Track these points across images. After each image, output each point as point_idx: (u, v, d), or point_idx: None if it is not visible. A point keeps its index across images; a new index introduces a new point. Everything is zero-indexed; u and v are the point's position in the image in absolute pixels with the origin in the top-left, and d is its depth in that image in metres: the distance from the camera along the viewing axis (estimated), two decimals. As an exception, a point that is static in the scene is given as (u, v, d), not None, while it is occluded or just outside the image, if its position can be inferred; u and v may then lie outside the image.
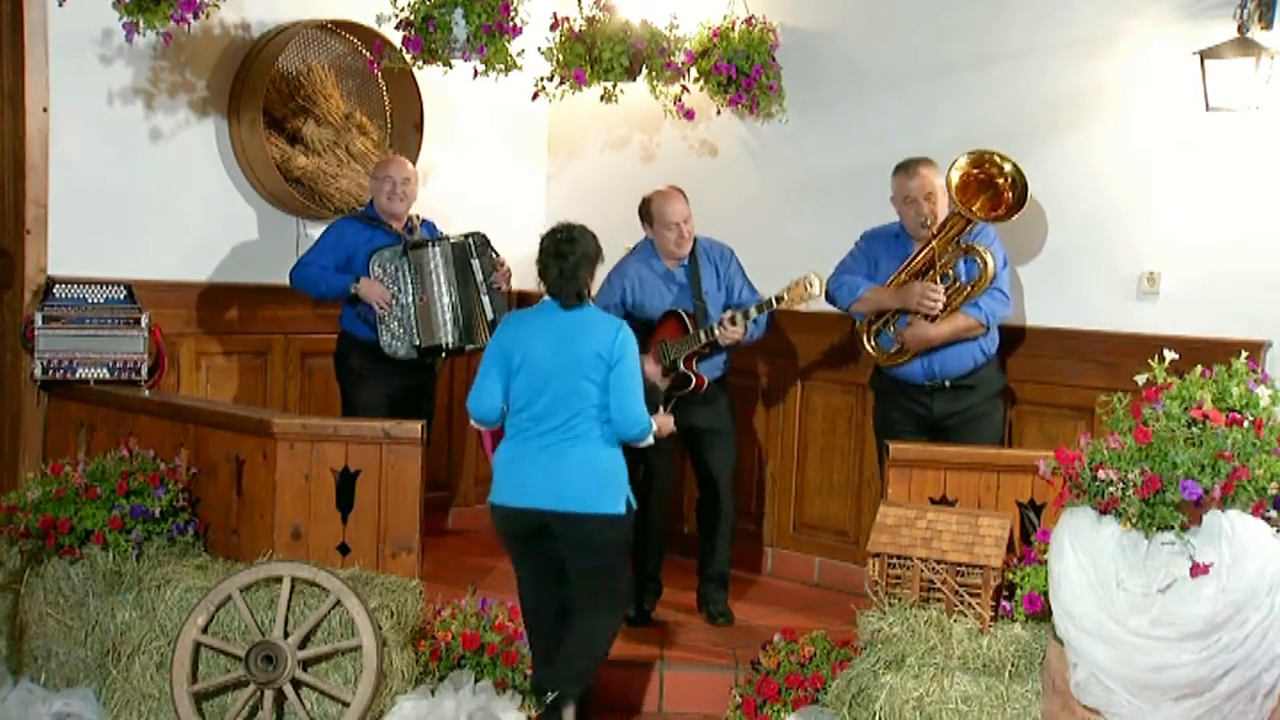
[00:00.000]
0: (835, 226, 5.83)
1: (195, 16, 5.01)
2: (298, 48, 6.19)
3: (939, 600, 4.11)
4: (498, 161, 6.95)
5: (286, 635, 4.33)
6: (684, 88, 5.96)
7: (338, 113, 6.31)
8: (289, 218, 6.26)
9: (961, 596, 4.07)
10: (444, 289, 5.54)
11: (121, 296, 5.54)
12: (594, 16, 5.84)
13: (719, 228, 5.52)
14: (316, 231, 6.06)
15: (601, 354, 4.21)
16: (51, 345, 5.39)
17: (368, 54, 6.30)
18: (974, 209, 4.86)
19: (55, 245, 5.57)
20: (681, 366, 5.10)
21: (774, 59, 5.96)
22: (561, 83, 5.89)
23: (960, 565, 4.08)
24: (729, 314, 5.11)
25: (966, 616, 4.05)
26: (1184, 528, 3.41)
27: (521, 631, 4.64)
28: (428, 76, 6.07)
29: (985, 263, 4.88)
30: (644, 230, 5.28)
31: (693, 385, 5.12)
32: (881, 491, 4.63)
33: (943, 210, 4.93)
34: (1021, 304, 5.34)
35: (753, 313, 5.10)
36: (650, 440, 4.35)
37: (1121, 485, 3.46)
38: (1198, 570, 3.36)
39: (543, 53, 5.90)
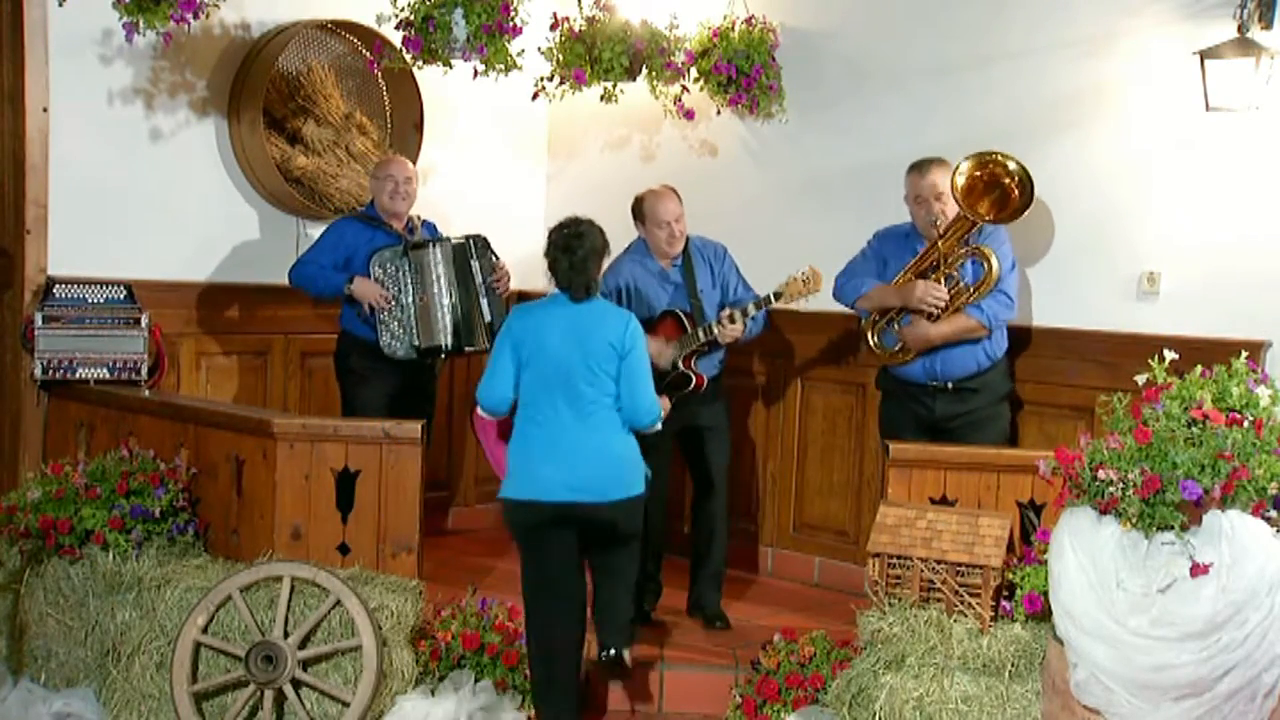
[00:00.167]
0: (835, 226, 5.84)
1: (195, 16, 5.01)
2: (298, 48, 6.19)
3: (939, 600, 4.11)
4: (498, 161, 6.96)
5: (286, 635, 4.34)
6: (684, 88, 5.96)
7: (338, 113, 6.31)
8: (289, 218, 6.26)
9: (961, 596, 4.07)
10: (444, 290, 5.54)
11: (121, 296, 5.55)
12: (594, 16, 5.84)
13: (719, 228, 5.52)
14: (316, 231, 6.07)
15: (614, 344, 4.30)
16: (51, 345, 5.39)
17: (368, 54, 6.30)
18: (981, 210, 4.85)
19: (55, 245, 5.58)
20: (680, 366, 5.10)
21: (774, 59, 5.96)
22: (561, 83, 5.89)
23: (960, 565, 4.08)
24: (727, 312, 5.11)
25: (966, 616, 4.05)
26: (1184, 528, 3.41)
27: (521, 631, 4.64)
28: (428, 76, 6.07)
29: (990, 265, 4.87)
30: (637, 229, 5.28)
31: (692, 384, 5.12)
32: (881, 491, 4.62)
33: (953, 210, 4.92)
34: (1024, 304, 5.33)
35: (751, 310, 5.10)
36: (658, 427, 4.43)
37: (1121, 485, 3.46)
38: (1198, 570, 3.36)
39: (543, 53, 5.90)
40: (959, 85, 5.55)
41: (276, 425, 4.72)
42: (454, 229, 5.98)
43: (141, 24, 4.96)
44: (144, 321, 5.51)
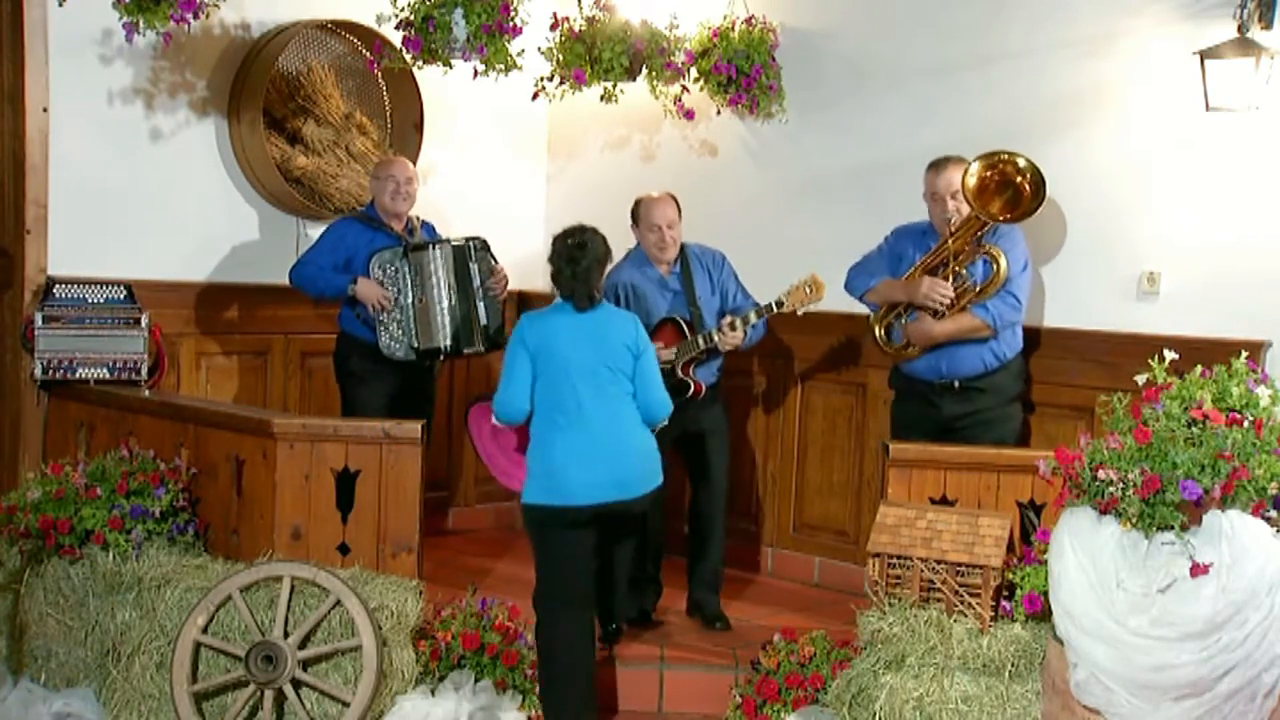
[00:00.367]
0: (835, 227, 5.84)
1: (195, 16, 5.01)
2: (298, 48, 6.19)
3: (939, 600, 4.11)
4: (498, 161, 6.95)
5: (286, 635, 4.34)
6: (684, 88, 5.96)
7: (338, 113, 6.31)
8: (289, 218, 6.26)
9: (961, 596, 4.07)
10: (443, 292, 5.53)
11: (121, 296, 5.54)
12: (594, 16, 5.84)
13: (719, 228, 5.53)
14: (316, 232, 6.07)
15: (629, 346, 4.44)
16: (51, 345, 5.39)
17: (368, 54, 6.30)
18: (993, 210, 4.83)
19: (55, 245, 5.58)
20: (679, 373, 5.09)
21: (774, 59, 5.96)
22: (561, 83, 5.89)
23: (960, 565, 4.08)
24: (728, 319, 5.10)
25: (966, 616, 4.05)
26: (1184, 528, 3.41)
27: (521, 631, 4.64)
28: (428, 76, 6.07)
29: (998, 266, 4.85)
30: (632, 233, 5.28)
31: (691, 392, 5.11)
32: (881, 491, 4.62)
33: (967, 208, 4.91)
34: (1030, 305, 5.31)
35: (752, 318, 5.10)
36: (665, 422, 4.56)
37: (1121, 485, 3.46)
38: (1198, 570, 3.36)
39: (543, 53, 5.90)
40: (959, 85, 5.55)
41: (276, 425, 4.72)
42: (454, 229, 5.97)
43: (141, 24, 4.96)
44: (144, 321, 5.51)
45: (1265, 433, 3.58)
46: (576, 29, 5.86)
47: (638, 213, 5.24)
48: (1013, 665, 3.95)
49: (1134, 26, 5.08)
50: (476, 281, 5.60)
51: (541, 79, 5.90)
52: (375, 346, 5.53)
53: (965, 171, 4.84)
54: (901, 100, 5.73)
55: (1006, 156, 4.87)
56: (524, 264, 6.58)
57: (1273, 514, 3.53)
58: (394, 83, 6.44)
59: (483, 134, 6.86)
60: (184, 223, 5.96)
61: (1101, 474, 3.51)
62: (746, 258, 5.44)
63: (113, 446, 5.09)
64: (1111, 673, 3.49)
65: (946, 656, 3.99)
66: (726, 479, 5.35)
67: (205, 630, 4.39)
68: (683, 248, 5.27)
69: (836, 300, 5.27)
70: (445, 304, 5.53)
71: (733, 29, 5.92)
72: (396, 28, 5.55)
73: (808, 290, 5.00)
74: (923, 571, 4.12)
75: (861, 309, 5.42)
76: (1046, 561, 3.74)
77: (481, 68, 5.51)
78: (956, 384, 4.98)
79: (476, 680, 4.50)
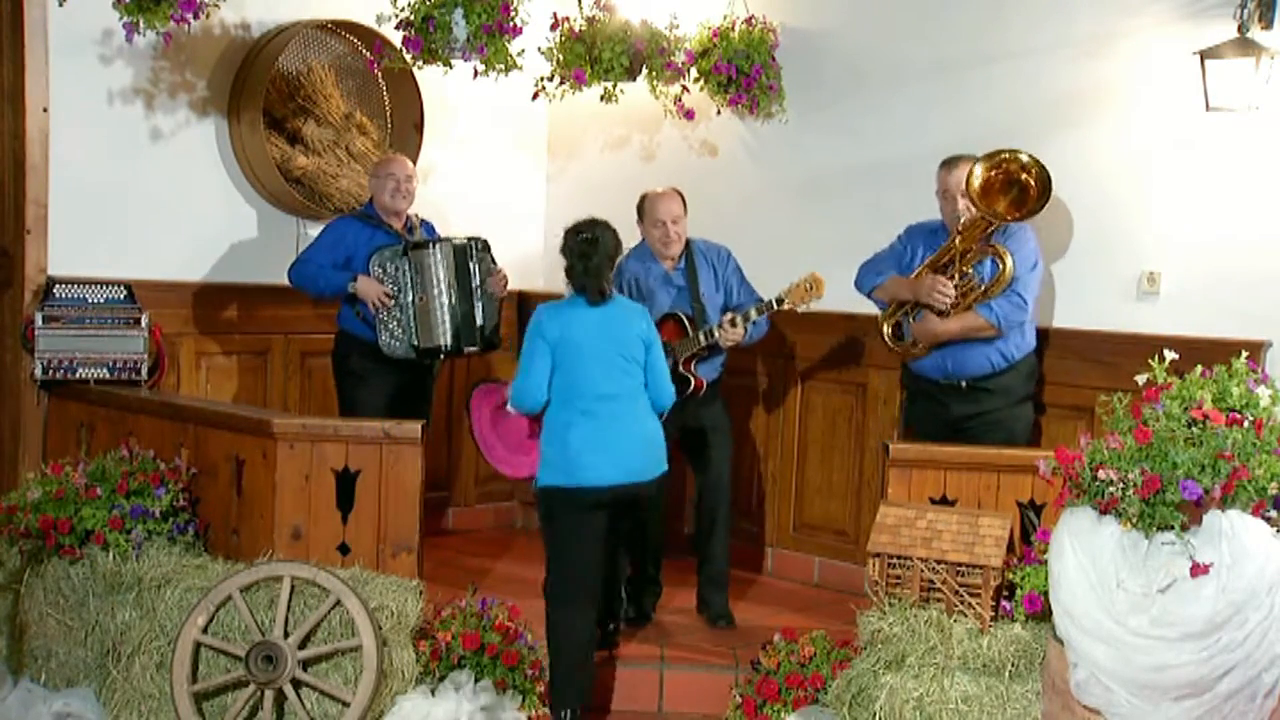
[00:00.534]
0: (835, 226, 5.84)
1: (195, 16, 5.01)
2: (298, 48, 6.19)
3: (939, 600, 4.11)
4: (498, 161, 6.95)
5: (286, 635, 4.33)
6: (684, 88, 5.96)
7: (338, 113, 6.31)
8: (289, 217, 6.26)
9: (961, 596, 4.07)
10: (444, 291, 5.53)
11: (121, 296, 5.55)
12: (594, 16, 5.84)
13: (719, 228, 5.52)
14: (316, 232, 6.06)
15: (642, 338, 4.59)
16: (51, 345, 5.39)
17: (368, 54, 6.30)
18: (999, 209, 4.80)
19: (55, 245, 5.57)
20: (681, 369, 5.10)
21: (774, 59, 5.96)
22: (561, 83, 5.89)
23: (960, 565, 4.08)
24: (729, 316, 5.11)
25: (966, 616, 4.05)
26: (1184, 528, 3.41)
27: (521, 631, 4.64)
28: (428, 76, 6.07)
29: (1004, 265, 4.83)
30: (638, 228, 5.29)
31: (691, 387, 5.12)
32: (881, 491, 4.62)
33: None
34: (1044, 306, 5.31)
35: (753, 314, 5.10)
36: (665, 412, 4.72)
37: (1121, 485, 3.46)
38: (1198, 570, 3.36)
39: (543, 53, 5.90)
40: (959, 85, 5.55)
41: (276, 425, 4.72)
42: (454, 229, 5.97)
43: (141, 24, 4.96)
44: (144, 321, 5.51)
45: (1265, 433, 3.57)
46: (576, 29, 5.86)
47: (643, 208, 5.26)
48: (1013, 665, 3.95)
49: (1134, 26, 5.08)
50: (476, 281, 5.60)
51: (541, 79, 5.90)
52: (375, 345, 5.52)
53: (969, 174, 4.81)
54: (901, 100, 5.73)
55: (1009, 155, 4.84)
56: (524, 264, 6.59)
57: (1273, 514, 3.53)
58: (394, 83, 6.44)
59: (483, 134, 6.86)
60: (184, 222, 5.96)
61: (1101, 474, 3.51)
62: (746, 257, 5.43)
63: (113, 446, 5.08)
64: (1111, 673, 3.49)
65: (946, 656, 3.99)
66: (730, 475, 5.35)
67: (205, 630, 4.39)
68: (688, 243, 5.28)
69: (837, 300, 5.27)
70: (445, 302, 5.53)
71: (733, 29, 5.92)
72: (396, 28, 5.55)
73: (808, 288, 5.00)
74: (923, 571, 4.12)
75: (862, 309, 5.42)
76: (1046, 561, 3.74)
77: (481, 68, 5.50)
78: (964, 384, 4.97)
79: (476, 680, 4.50)
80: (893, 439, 5.32)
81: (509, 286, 5.80)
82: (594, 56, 5.82)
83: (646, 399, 4.58)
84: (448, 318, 5.54)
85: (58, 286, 5.47)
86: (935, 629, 4.02)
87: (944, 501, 4.45)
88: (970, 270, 4.92)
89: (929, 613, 4.08)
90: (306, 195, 6.18)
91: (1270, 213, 4.80)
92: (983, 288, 4.89)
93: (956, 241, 4.91)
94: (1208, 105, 4.76)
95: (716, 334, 5.08)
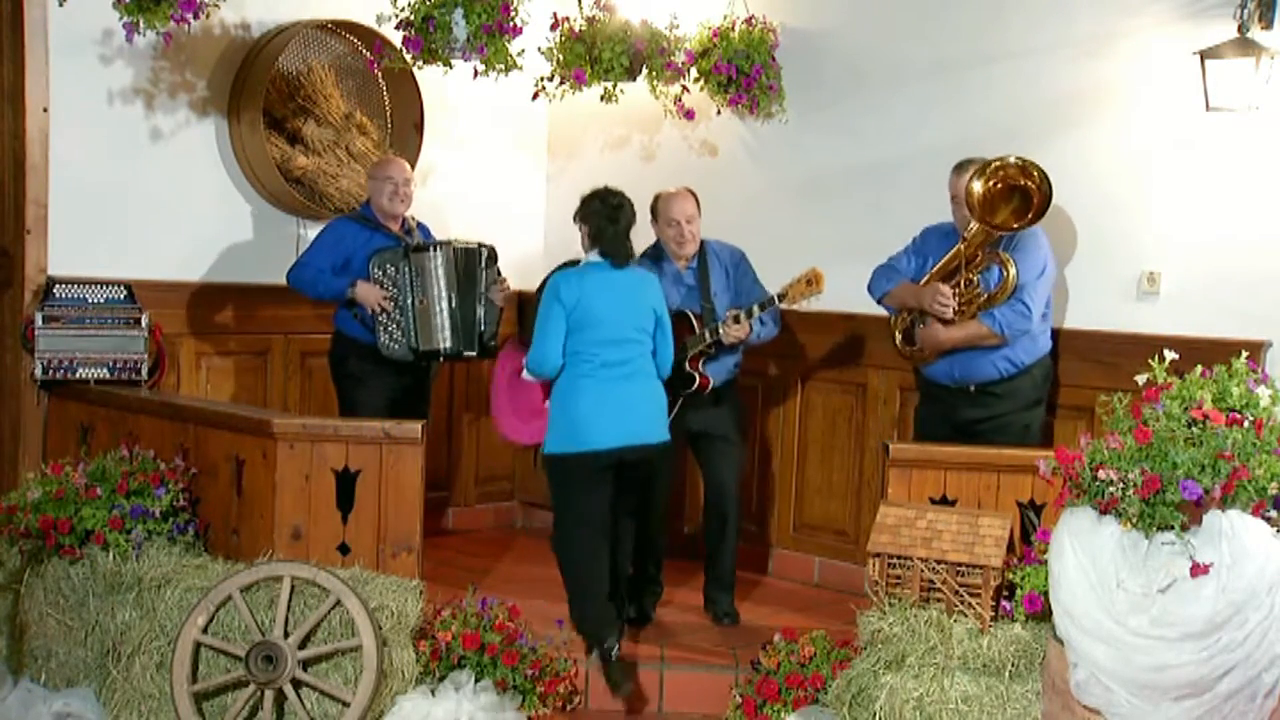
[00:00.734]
0: (835, 226, 5.84)
1: (195, 16, 5.00)
2: (298, 48, 6.19)
3: (939, 600, 4.11)
4: (498, 161, 6.95)
5: (286, 635, 4.33)
6: (684, 88, 5.96)
7: (338, 113, 6.31)
8: (289, 218, 6.26)
9: (961, 596, 4.07)
10: (444, 293, 5.53)
11: (121, 296, 5.54)
12: (594, 16, 5.84)
13: (719, 228, 5.52)
14: (316, 231, 6.05)
15: (655, 308, 4.79)
16: (51, 345, 5.39)
17: (368, 54, 6.30)
18: (999, 220, 4.76)
19: (55, 245, 5.57)
20: (687, 366, 5.10)
21: (774, 59, 5.96)
22: (561, 83, 5.89)
23: (960, 565, 4.08)
24: (732, 313, 5.12)
25: (966, 616, 4.05)
26: (1184, 528, 3.41)
27: (521, 631, 4.64)
28: (428, 76, 6.07)
29: (1008, 273, 4.82)
30: (651, 229, 5.29)
31: (696, 385, 5.12)
32: (881, 491, 4.62)
33: None
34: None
35: (755, 310, 5.10)
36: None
37: (1121, 485, 3.46)
38: (1198, 570, 3.36)
39: (543, 53, 5.90)
40: (959, 85, 5.55)
41: (276, 425, 4.72)
42: (454, 229, 5.98)
43: (141, 24, 4.96)
44: (144, 321, 5.51)
45: (1265, 433, 3.57)
46: (576, 29, 5.86)
47: (657, 208, 5.27)
48: (1013, 665, 3.95)
49: (1134, 26, 5.08)
50: (481, 287, 5.60)
51: (541, 79, 5.90)
52: (373, 347, 5.52)
53: (968, 191, 4.77)
54: (901, 100, 5.73)
55: (999, 162, 4.77)
56: (524, 264, 6.58)
57: (1273, 514, 3.53)
58: (394, 83, 6.44)
59: (483, 134, 6.86)
60: (184, 223, 5.95)
61: (1101, 474, 3.51)
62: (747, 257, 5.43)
63: (113, 446, 5.08)
64: (1111, 673, 3.49)
65: (946, 656, 3.98)
66: (738, 476, 5.35)
67: (205, 630, 4.39)
68: (703, 244, 5.29)
69: (837, 300, 5.27)
70: (446, 305, 5.53)
71: (733, 29, 5.92)
72: (396, 28, 5.55)
73: (808, 283, 5.00)
74: (923, 571, 4.12)
75: (862, 309, 5.43)
76: (1046, 561, 3.74)
77: (481, 68, 5.50)
78: (972, 388, 4.97)
79: (476, 680, 4.50)
80: (893, 439, 5.32)
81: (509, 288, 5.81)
82: (594, 56, 5.82)
83: (653, 366, 4.76)
84: (447, 321, 5.54)
85: (58, 286, 5.47)
86: (935, 629, 4.02)
87: (944, 501, 4.45)
88: (976, 278, 4.90)
89: (929, 613, 4.08)
90: (306, 195, 6.18)
91: (1270, 213, 4.80)
92: (986, 296, 4.87)
93: (963, 248, 4.91)
94: (1208, 105, 4.76)
95: (721, 331, 5.09)
